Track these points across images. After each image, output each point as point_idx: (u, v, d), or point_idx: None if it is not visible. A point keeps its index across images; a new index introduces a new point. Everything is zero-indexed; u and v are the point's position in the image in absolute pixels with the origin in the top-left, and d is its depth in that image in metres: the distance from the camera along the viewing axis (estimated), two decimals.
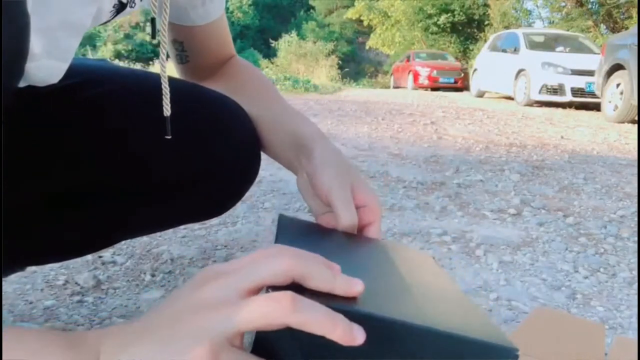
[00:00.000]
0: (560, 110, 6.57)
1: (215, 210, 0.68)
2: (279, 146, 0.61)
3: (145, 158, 0.59)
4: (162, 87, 0.53)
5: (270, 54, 23.39)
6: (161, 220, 0.68)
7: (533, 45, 8.01)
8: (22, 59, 0.34)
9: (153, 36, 0.52)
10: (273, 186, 1.90)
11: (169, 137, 0.54)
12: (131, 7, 0.53)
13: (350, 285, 0.30)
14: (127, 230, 0.69)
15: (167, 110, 0.54)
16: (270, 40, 22.91)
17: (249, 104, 0.64)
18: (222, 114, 0.62)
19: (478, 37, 17.44)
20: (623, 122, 5.04)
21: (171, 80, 0.63)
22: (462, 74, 12.87)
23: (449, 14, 18.33)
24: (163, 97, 0.53)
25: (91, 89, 0.59)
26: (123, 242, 1.28)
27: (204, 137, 0.60)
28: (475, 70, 9.76)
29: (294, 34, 21.85)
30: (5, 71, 0.32)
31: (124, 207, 0.62)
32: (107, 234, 0.67)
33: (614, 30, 12.92)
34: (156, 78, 0.65)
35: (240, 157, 0.62)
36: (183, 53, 0.68)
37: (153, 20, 0.52)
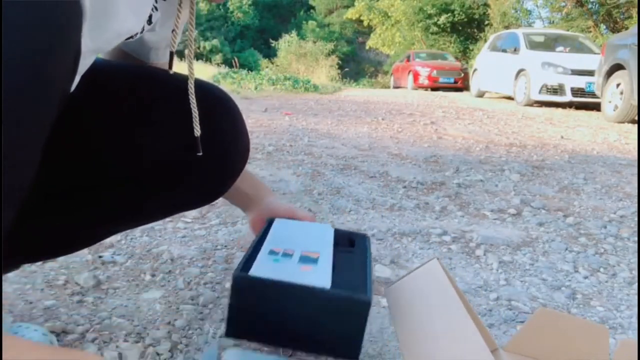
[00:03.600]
0: (560, 110, 6.57)
1: (211, 194, 0.72)
2: (238, 189, 0.76)
3: (142, 147, 0.61)
4: (192, 110, 0.60)
5: (270, 54, 23.38)
6: (158, 208, 0.70)
7: (533, 45, 8.01)
8: (75, 74, 0.40)
9: (170, 67, 0.61)
10: (273, 186, 1.90)
11: (200, 154, 0.62)
12: (134, 38, 0.57)
13: None
14: (125, 221, 0.70)
15: (197, 131, 0.60)
16: (270, 40, 22.90)
17: None
18: (211, 101, 0.66)
19: (478, 37, 17.43)
20: (623, 122, 5.04)
21: (163, 71, 0.66)
22: (462, 74, 12.85)
23: (449, 14, 18.32)
24: (193, 119, 0.60)
25: (91, 80, 0.60)
26: (123, 242, 1.28)
27: (205, 119, 0.63)
28: (475, 70, 9.76)
29: (294, 34, 21.84)
30: (67, 82, 0.38)
31: (122, 197, 0.63)
32: (103, 226, 0.68)
33: (614, 30, 12.92)
34: (153, 69, 0.67)
35: (230, 141, 0.66)
36: None
37: (172, 54, 0.60)
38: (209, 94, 0.66)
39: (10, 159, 0.32)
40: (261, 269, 0.50)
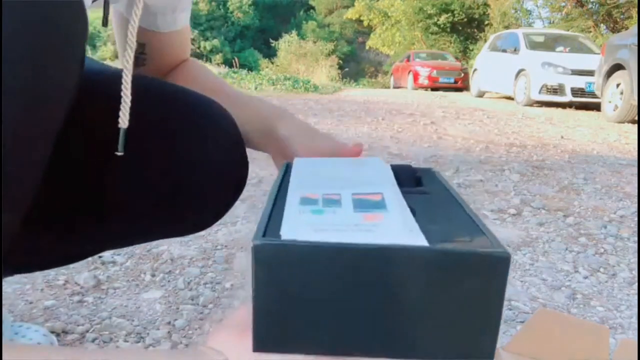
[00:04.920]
0: (560, 110, 6.57)
1: (204, 220, 0.64)
2: (247, 133, 0.62)
3: (128, 166, 0.55)
4: (122, 94, 0.48)
5: (270, 54, 23.37)
6: (146, 233, 0.64)
7: (533, 45, 8.00)
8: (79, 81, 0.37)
9: (104, 23, 0.48)
10: None
11: (121, 153, 0.49)
12: None
13: None
14: (117, 243, 0.67)
15: (123, 123, 0.48)
16: (270, 40, 22.90)
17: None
18: (204, 119, 0.58)
19: (478, 37, 17.42)
20: (623, 122, 5.04)
21: (151, 80, 0.59)
22: (462, 74, 12.84)
23: (449, 14, 18.32)
24: (121, 107, 0.48)
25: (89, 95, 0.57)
26: None
27: (186, 145, 0.57)
28: (475, 70, 9.76)
29: (294, 34, 21.85)
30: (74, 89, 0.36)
31: (109, 219, 0.58)
32: (93, 246, 0.64)
33: (614, 30, 12.91)
34: (143, 80, 0.60)
35: (226, 165, 0.59)
36: (141, 55, 0.66)
37: (106, 4, 0.46)
38: (203, 111, 0.58)
39: (17, 168, 0.32)
40: (298, 227, 0.29)
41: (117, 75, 0.58)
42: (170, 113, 0.57)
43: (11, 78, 0.30)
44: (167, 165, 0.56)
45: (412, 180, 0.42)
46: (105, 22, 0.47)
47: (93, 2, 0.49)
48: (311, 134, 0.60)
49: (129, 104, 0.48)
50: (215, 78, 0.71)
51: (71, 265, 1.12)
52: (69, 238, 0.60)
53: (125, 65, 0.48)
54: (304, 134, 0.60)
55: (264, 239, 0.28)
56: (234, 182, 0.61)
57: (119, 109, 0.48)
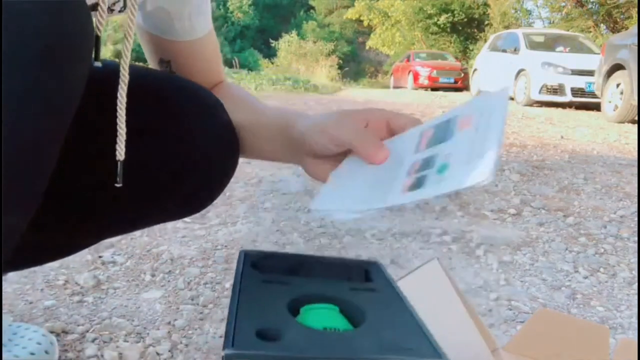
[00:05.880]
0: (560, 110, 6.57)
1: (194, 207, 0.64)
2: (271, 142, 0.57)
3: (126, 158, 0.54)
4: (118, 127, 0.47)
5: (270, 54, 23.38)
6: (140, 219, 0.64)
7: (533, 45, 8.01)
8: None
9: (96, 57, 0.42)
10: (273, 186, 1.90)
11: (119, 184, 0.49)
12: (112, 10, 0.52)
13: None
14: (109, 233, 0.67)
15: (120, 155, 0.48)
16: (270, 40, 22.91)
17: (233, 111, 0.61)
18: (193, 103, 0.58)
19: (478, 37, 17.43)
20: (623, 122, 5.04)
21: (140, 70, 0.58)
22: (462, 74, 12.85)
23: (449, 14, 18.32)
24: (117, 140, 0.47)
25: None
26: (123, 242, 1.28)
27: (177, 132, 0.57)
28: (475, 70, 9.77)
29: (294, 34, 21.86)
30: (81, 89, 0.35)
31: (101, 208, 0.59)
32: (84, 239, 0.64)
33: (614, 30, 12.91)
34: (147, 72, 0.60)
35: (215, 150, 0.58)
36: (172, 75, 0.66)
37: (97, 40, 0.42)
38: (186, 92, 0.58)
39: (29, 174, 0.32)
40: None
41: (112, 70, 0.58)
42: (158, 102, 0.56)
43: (25, 83, 0.30)
44: (158, 155, 0.56)
45: (360, 274, 0.49)
46: (97, 56, 0.43)
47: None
48: (323, 124, 0.50)
49: (124, 136, 0.47)
50: (245, 99, 0.67)
51: (71, 265, 1.12)
52: (63, 232, 0.60)
53: (120, 92, 0.46)
54: (316, 126, 0.51)
55: (233, 348, 0.31)
56: (225, 166, 0.60)
57: (111, 103, 0.48)
